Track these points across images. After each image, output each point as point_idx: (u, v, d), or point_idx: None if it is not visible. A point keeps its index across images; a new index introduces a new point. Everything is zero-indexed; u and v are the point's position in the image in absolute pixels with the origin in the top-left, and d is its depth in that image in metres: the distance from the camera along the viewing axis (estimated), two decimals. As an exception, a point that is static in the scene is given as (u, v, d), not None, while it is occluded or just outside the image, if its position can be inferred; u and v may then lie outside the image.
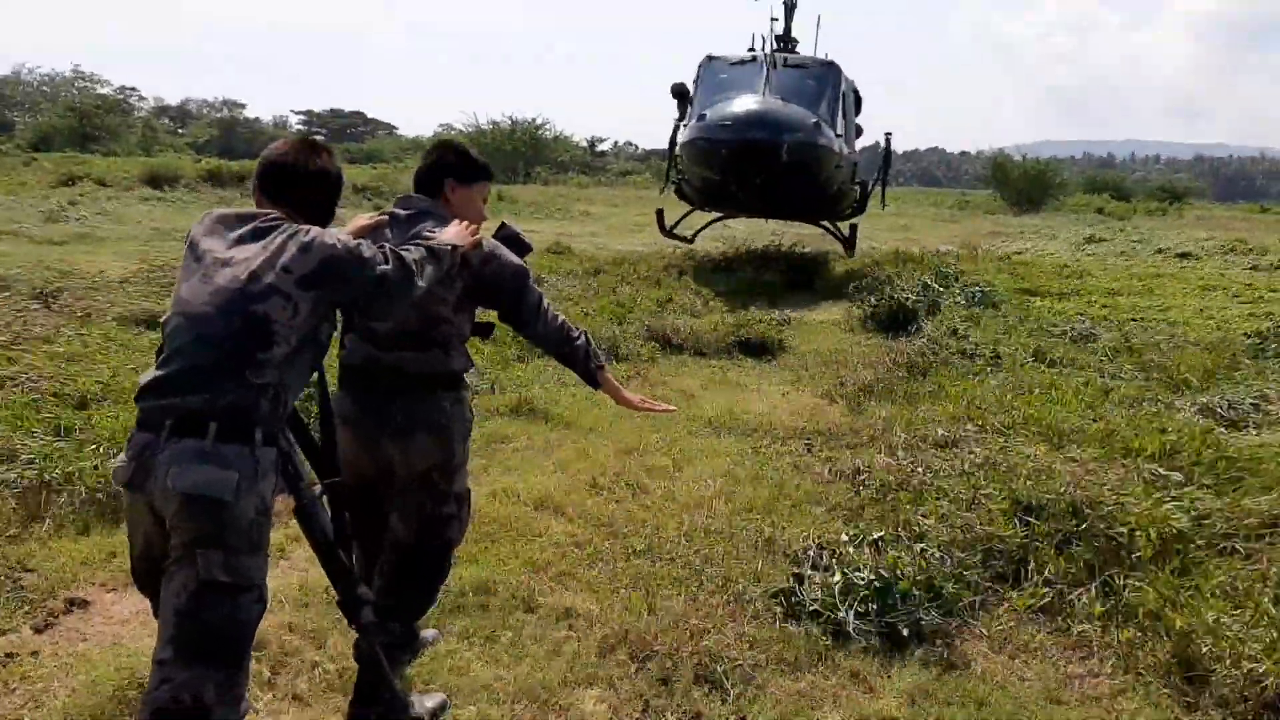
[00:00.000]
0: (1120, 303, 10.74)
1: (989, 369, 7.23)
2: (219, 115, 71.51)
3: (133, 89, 60.56)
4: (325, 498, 2.37)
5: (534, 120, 42.72)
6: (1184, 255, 15.67)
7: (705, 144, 11.94)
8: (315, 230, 2.18)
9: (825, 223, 14.46)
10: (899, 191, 53.94)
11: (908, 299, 9.47)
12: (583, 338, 2.82)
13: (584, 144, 57.68)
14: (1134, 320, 9.60)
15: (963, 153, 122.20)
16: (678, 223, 14.13)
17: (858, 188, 14.59)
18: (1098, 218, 28.72)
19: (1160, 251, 16.34)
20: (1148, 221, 27.40)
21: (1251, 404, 6.21)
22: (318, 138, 2.67)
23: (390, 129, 79.01)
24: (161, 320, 2.19)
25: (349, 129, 76.44)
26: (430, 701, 2.71)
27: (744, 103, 11.93)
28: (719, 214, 14.14)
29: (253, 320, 2.05)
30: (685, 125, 13.04)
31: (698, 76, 13.49)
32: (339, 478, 2.42)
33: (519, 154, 41.06)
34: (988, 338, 8.25)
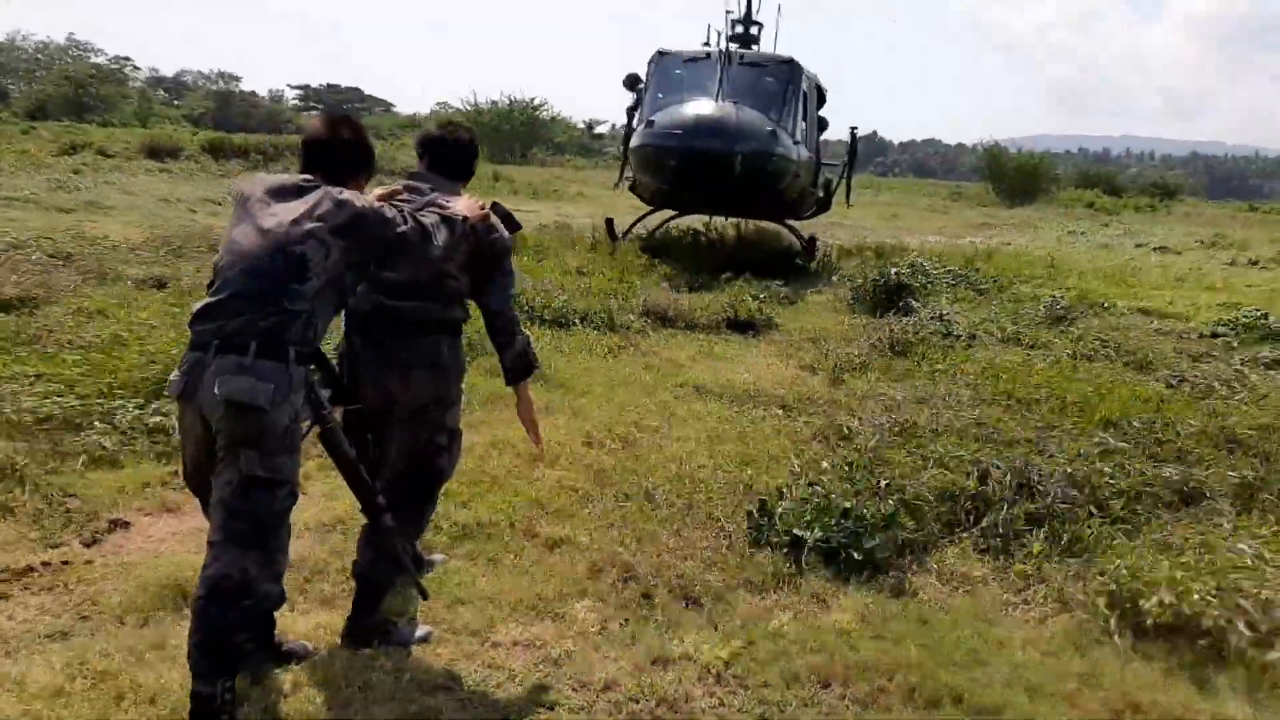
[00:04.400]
0: (1094, 289, 11.13)
1: (967, 348, 7.63)
2: (214, 88, 71.03)
3: (127, 59, 59.94)
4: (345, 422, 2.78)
5: (532, 101, 42.70)
6: (1162, 249, 16.07)
7: (655, 151, 11.46)
8: (349, 192, 2.62)
9: (789, 222, 13.78)
10: (893, 182, 54.32)
11: (895, 282, 9.82)
12: (524, 338, 3.10)
13: (582, 126, 57.76)
14: (1105, 307, 10.01)
15: (959, 144, 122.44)
16: (631, 227, 13.37)
17: (820, 188, 14.19)
18: (1086, 212, 29.13)
19: (1140, 245, 16.75)
20: (1135, 217, 27.82)
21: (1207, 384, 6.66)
22: (343, 113, 3.06)
23: (387, 105, 78.92)
24: (215, 260, 2.58)
25: (345, 105, 76.17)
26: (419, 631, 3.05)
27: (695, 108, 11.39)
28: (675, 212, 13.49)
29: (293, 257, 2.47)
30: (635, 129, 12.47)
31: (648, 74, 12.85)
32: (359, 405, 2.84)
33: (516, 134, 41.03)
34: (968, 321, 8.64)
